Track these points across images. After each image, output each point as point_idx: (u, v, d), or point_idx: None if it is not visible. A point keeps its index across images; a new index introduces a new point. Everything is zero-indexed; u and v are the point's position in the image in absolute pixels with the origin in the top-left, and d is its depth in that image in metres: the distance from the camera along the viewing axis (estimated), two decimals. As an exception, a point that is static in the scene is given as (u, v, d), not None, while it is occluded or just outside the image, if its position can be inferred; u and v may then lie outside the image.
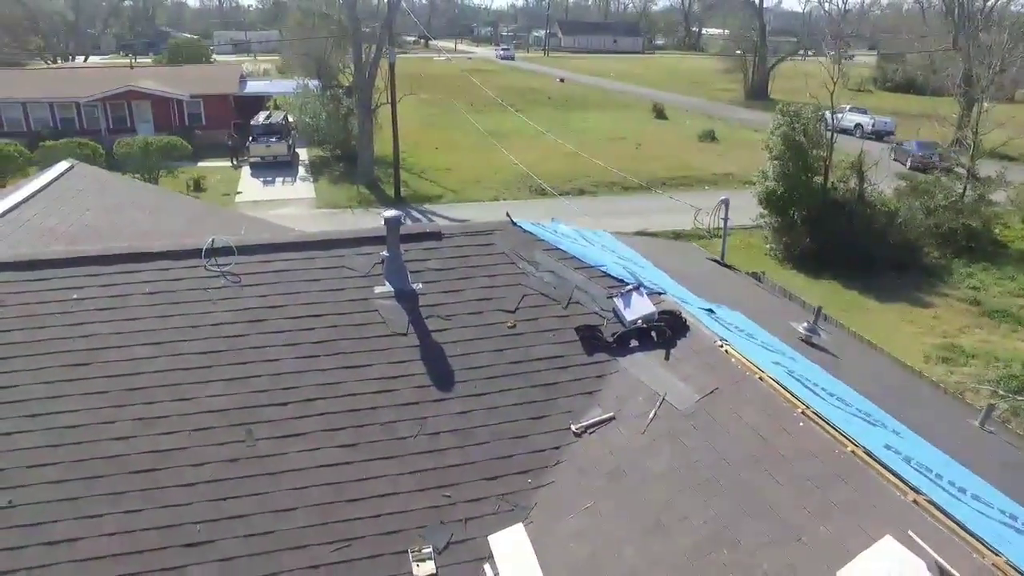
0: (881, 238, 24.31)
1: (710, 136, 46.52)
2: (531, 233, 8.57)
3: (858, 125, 48.43)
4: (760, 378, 6.26)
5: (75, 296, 7.20)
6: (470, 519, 5.87)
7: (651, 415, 6.33)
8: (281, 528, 5.68)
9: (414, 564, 5.49)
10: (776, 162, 24.67)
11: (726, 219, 13.54)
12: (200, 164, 36.55)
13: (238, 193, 33.22)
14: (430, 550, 5.59)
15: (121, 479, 5.85)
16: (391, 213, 7.70)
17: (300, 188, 34.67)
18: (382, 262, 7.74)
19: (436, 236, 8.29)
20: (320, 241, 8.15)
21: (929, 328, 20.28)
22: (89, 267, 7.50)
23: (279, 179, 35.83)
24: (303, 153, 40.33)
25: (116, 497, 5.75)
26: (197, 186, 32.99)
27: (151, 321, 7.03)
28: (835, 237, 24.14)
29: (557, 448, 6.37)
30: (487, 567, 5.58)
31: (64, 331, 6.87)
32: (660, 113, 55.50)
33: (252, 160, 36.99)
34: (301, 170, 37.59)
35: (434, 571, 5.48)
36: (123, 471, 5.90)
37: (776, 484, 5.25)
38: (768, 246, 26.22)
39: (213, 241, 7.84)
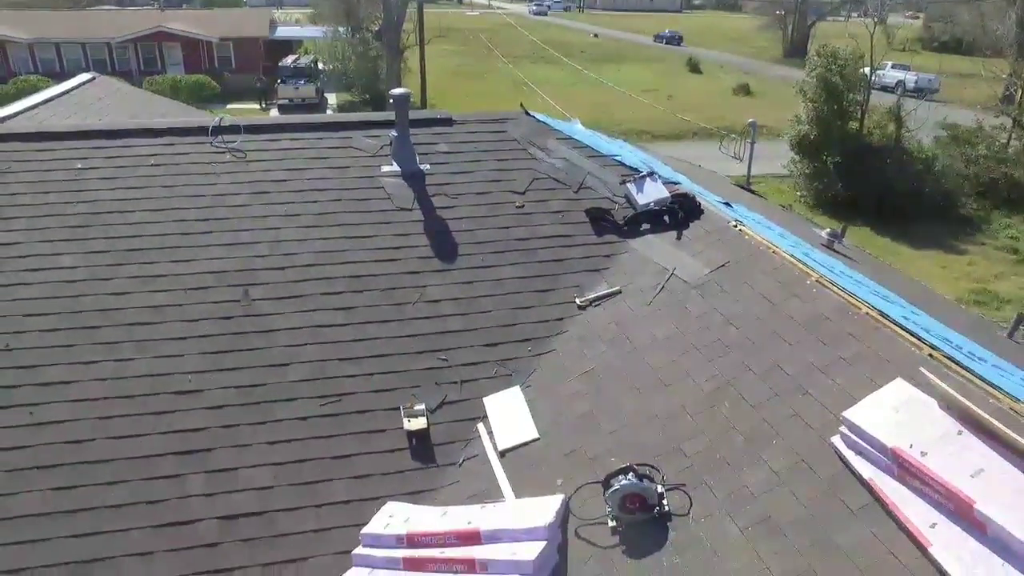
0: (917, 186, 23.55)
1: (744, 90, 45.42)
2: (546, 123, 8.30)
3: (900, 82, 46.87)
4: (774, 252, 5.98)
5: (79, 166, 7.11)
6: (466, 382, 5.72)
7: (658, 288, 6.10)
8: (272, 382, 5.58)
9: (405, 420, 5.36)
10: (810, 105, 23.93)
11: (753, 142, 13.09)
12: (229, 106, 36.51)
13: (265, 134, 33.18)
14: (423, 407, 5.46)
15: (115, 330, 5.78)
16: (399, 91, 7.47)
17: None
18: (390, 143, 7.54)
19: (447, 122, 8.05)
20: (328, 123, 7.97)
21: (964, 273, 19.69)
22: (95, 140, 7.41)
23: (306, 122, 35.71)
24: (331, 98, 40.13)
25: (110, 346, 5.68)
26: (225, 126, 32.96)
27: (154, 190, 6.92)
28: (868, 184, 23.44)
29: (560, 319, 6.18)
30: (480, 426, 5.44)
31: (68, 196, 6.80)
32: (694, 67, 54.28)
33: (280, 102, 36.91)
34: (329, 113, 37.42)
35: (425, 427, 5.35)
36: (118, 323, 5.83)
37: (784, 343, 5.01)
38: (798, 193, 25.57)
39: (221, 119, 7.70)
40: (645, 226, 7.00)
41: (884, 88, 40.00)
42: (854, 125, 24.44)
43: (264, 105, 37.83)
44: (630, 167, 7.73)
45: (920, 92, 45.59)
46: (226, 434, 5.26)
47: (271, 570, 4.66)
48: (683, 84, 47.59)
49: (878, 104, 26.34)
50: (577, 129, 8.81)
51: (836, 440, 4.00)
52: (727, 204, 7.70)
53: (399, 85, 35.05)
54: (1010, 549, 3.10)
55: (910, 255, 21.08)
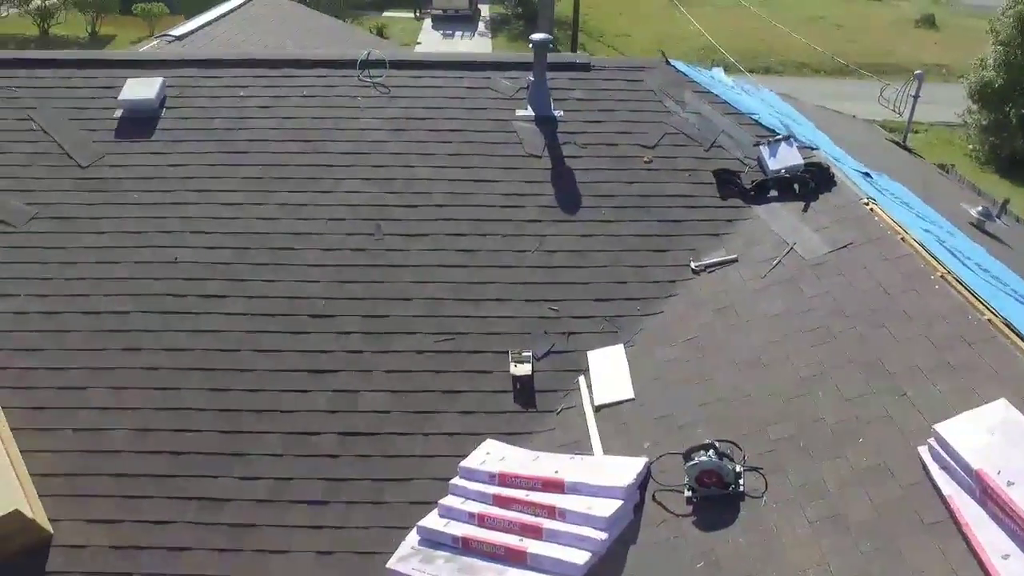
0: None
1: (928, 22, 41.20)
2: (684, 74, 8.16)
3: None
4: (902, 239, 5.78)
5: (242, 93, 7.75)
6: (572, 334, 6.02)
7: (776, 261, 6.08)
8: (395, 314, 6.10)
9: (512, 364, 5.75)
10: (1000, 48, 21.64)
11: (916, 97, 12.17)
12: (385, 14, 37.26)
13: (417, 44, 33.75)
14: (529, 354, 5.82)
15: (263, 252, 6.46)
16: (540, 36, 7.57)
17: (478, 43, 34.64)
18: (527, 86, 7.70)
19: (584, 67, 8.08)
20: (470, 62, 8.21)
21: None
22: (256, 68, 8.02)
23: (458, 33, 35.92)
24: (484, 9, 39.99)
25: (258, 267, 6.37)
26: (379, 34, 33.73)
27: (304, 121, 7.48)
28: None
29: (672, 282, 6.30)
30: (581, 379, 5.75)
31: (230, 123, 7.47)
32: (874, -8, 49.60)
33: (434, 12, 37.21)
34: (481, 25, 37.44)
35: (529, 373, 5.72)
36: (265, 246, 6.50)
37: (892, 339, 4.95)
38: (970, 146, 23.49)
39: (368, 54, 8.09)
40: (772, 193, 6.88)
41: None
42: (1049, 74, 21.95)
43: (418, 15, 38.27)
44: (767, 127, 7.53)
45: None
46: (350, 358, 5.86)
47: (381, 485, 5.26)
48: (856, 12, 43.69)
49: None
50: (718, 80, 8.60)
51: (923, 450, 4.02)
52: (866, 175, 7.40)
53: (551, 2, 34.39)
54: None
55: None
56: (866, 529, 3.84)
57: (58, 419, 5.60)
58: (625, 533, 4.44)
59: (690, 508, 4.43)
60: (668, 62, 8.28)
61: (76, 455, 5.43)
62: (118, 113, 7.48)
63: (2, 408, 5.59)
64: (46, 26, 32.28)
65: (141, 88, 7.58)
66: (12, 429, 5.50)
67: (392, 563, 4.68)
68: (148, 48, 10.67)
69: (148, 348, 5.93)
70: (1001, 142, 22.55)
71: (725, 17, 35.96)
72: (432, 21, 37.31)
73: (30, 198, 6.85)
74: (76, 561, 4.98)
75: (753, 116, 7.68)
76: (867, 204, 6.32)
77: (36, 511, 5.07)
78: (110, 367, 5.83)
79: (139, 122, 7.41)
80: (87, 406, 5.65)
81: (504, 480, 4.84)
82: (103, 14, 32.64)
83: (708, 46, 31.07)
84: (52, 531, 5.08)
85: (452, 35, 35.64)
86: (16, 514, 4.85)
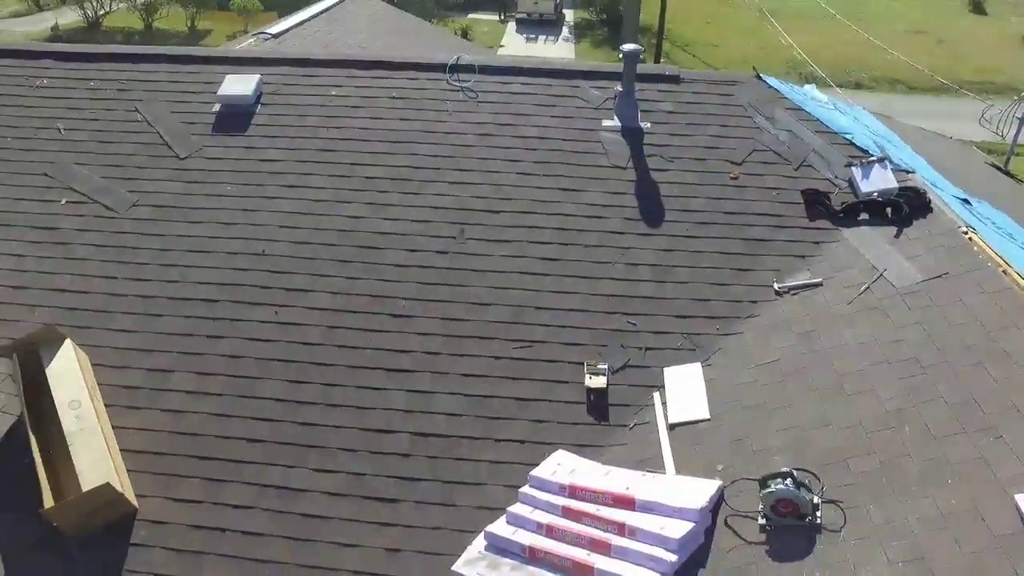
0: None
1: (1036, 39, 39.27)
2: (776, 90, 7.99)
3: None
4: (1004, 271, 5.53)
5: (334, 92, 7.95)
6: (650, 349, 5.96)
7: (863, 287, 5.89)
8: (474, 319, 6.15)
9: (587, 376, 5.73)
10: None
11: (1022, 119, 11.63)
12: (470, 16, 37.65)
13: (500, 47, 33.98)
14: (605, 367, 5.79)
15: (348, 250, 6.61)
16: (630, 47, 7.54)
17: (561, 48, 34.65)
18: (615, 97, 7.67)
19: (674, 79, 7.99)
20: (558, 70, 8.22)
21: None
22: (348, 69, 8.21)
23: (542, 37, 36.00)
24: (568, 14, 39.98)
25: (343, 264, 6.53)
26: (464, 35, 34.07)
27: (392, 122, 7.62)
28: None
29: (754, 303, 6.18)
30: (656, 395, 5.69)
31: (321, 121, 7.68)
32: (977, 6, 47.55)
33: (519, 16, 37.37)
34: (565, 30, 37.43)
35: (604, 386, 5.69)
36: (351, 244, 6.65)
37: (988, 378, 4.74)
38: (1077, 173, 22.26)
39: (458, 58, 8.20)
40: (863, 216, 6.67)
41: None
42: None
43: (503, 17, 38.52)
44: (860, 148, 7.30)
45: None
46: (428, 360, 5.94)
47: (451, 487, 5.31)
48: (960, 27, 41.94)
49: None
50: (811, 97, 8.39)
51: (1020, 498, 3.83)
52: (965, 202, 7.11)
53: (637, 9, 34.14)
54: None
55: None
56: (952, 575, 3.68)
57: (147, 399, 5.85)
58: (695, 556, 4.38)
59: (763, 536, 4.33)
60: (760, 77, 8.12)
61: (162, 435, 5.67)
62: (216, 108, 7.78)
63: (98, 385, 5.88)
64: (150, 20, 33.82)
65: (239, 84, 7.87)
66: (107, 405, 5.78)
67: (458, 566, 4.72)
68: (245, 45, 11.05)
69: (233, 336, 6.15)
70: (1110, 170, 21.28)
71: (817, 30, 35.01)
72: (516, 24, 37.49)
73: (132, 186, 7.19)
74: (158, 536, 5.19)
75: (847, 136, 7.46)
76: (965, 233, 6.07)
77: (124, 486, 5.31)
78: (197, 352, 6.07)
79: (236, 117, 7.69)
80: (174, 388, 5.89)
81: (574, 493, 4.83)
82: (202, 9, 33.98)
83: (798, 59, 30.32)
84: (137, 506, 5.31)
85: (535, 39, 35.73)
86: (107, 487, 5.09)
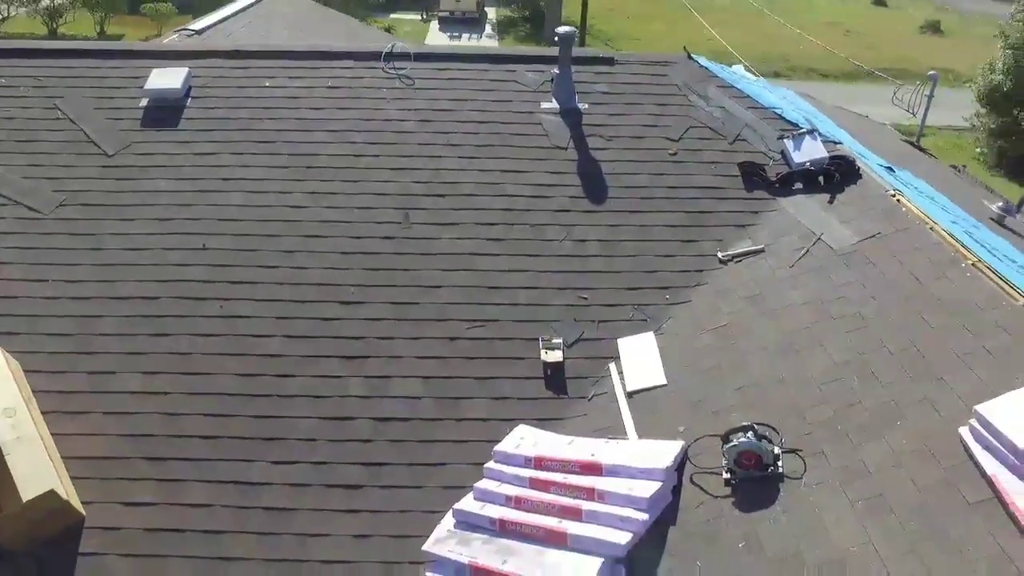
0: None
1: (934, 28, 41.35)
2: (707, 69, 8.20)
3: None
4: (931, 228, 5.82)
5: (267, 83, 7.78)
6: (603, 321, 6.04)
7: (803, 251, 6.10)
8: (425, 301, 6.12)
9: (543, 351, 5.77)
10: (1009, 52, 21.70)
11: (930, 97, 12.23)
12: (392, 16, 37.37)
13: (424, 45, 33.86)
14: (560, 341, 5.84)
15: (293, 240, 6.47)
16: (565, 29, 7.62)
17: (484, 46, 34.70)
18: (551, 79, 7.74)
19: (609, 61, 8.12)
20: (494, 55, 8.27)
21: None
22: (282, 60, 8.05)
23: (465, 35, 35.98)
24: (491, 12, 40.09)
25: (288, 254, 6.39)
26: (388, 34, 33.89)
27: (330, 112, 7.51)
28: (1063, 147, 21.26)
29: (700, 271, 6.33)
30: (612, 366, 5.77)
31: (256, 113, 7.50)
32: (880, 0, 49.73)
33: (441, 14, 37.26)
34: (488, 28, 37.53)
35: (561, 360, 5.74)
36: (295, 234, 6.52)
37: (926, 326, 4.97)
38: (978, 149, 23.54)
39: (393, 46, 8.13)
40: (798, 185, 6.92)
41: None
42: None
43: (425, 16, 38.36)
44: (790, 121, 7.56)
45: None
46: (382, 345, 5.87)
47: (415, 469, 5.27)
48: (863, 18, 43.82)
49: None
50: (740, 76, 8.65)
51: (964, 431, 4.04)
52: (890, 169, 7.43)
53: (559, 5, 34.40)
54: None
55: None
56: (910, 510, 3.85)
57: (89, 403, 5.61)
58: (665, 514, 4.46)
59: (729, 490, 4.44)
60: (692, 57, 8.32)
61: (107, 439, 5.43)
62: (144, 102, 7.51)
63: (33, 393, 5.60)
64: (54, 26, 32.35)
65: (167, 78, 7.61)
66: (43, 412, 5.51)
67: (428, 545, 4.69)
68: (169, 41, 10.70)
69: (178, 333, 5.95)
70: (1010, 145, 22.59)
71: (738, 22, 36.00)
72: (439, 23, 37.37)
73: (58, 185, 6.87)
74: (109, 543, 4.98)
75: (776, 111, 7.72)
76: (894, 196, 6.35)
77: (69, 493, 5.08)
78: (140, 352, 5.85)
79: (165, 111, 7.44)
80: (118, 390, 5.66)
81: (540, 463, 4.85)
82: (111, 14, 32.71)
83: (720, 50, 31.09)
84: (84, 513, 5.09)
85: (459, 37, 35.69)
86: (51, 494, 4.86)
